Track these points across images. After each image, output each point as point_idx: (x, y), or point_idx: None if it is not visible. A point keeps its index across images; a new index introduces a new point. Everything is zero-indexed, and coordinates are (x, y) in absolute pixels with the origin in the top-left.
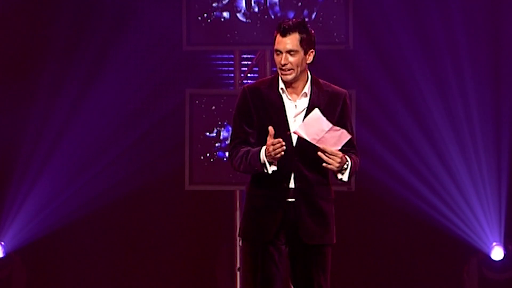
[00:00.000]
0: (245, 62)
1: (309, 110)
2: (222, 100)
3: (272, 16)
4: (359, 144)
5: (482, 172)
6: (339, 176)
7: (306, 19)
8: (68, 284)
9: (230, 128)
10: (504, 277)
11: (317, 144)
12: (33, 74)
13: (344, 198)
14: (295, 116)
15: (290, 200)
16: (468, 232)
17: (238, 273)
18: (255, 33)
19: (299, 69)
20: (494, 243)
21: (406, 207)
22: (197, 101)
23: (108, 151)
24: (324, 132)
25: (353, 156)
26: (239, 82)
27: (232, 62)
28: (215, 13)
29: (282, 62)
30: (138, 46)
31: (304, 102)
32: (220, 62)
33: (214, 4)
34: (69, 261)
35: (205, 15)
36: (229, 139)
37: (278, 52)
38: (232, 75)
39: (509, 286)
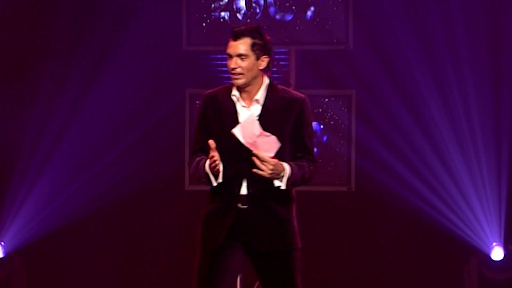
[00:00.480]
0: None
1: (261, 116)
2: None
3: (272, 16)
4: (359, 143)
5: (482, 172)
6: (276, 183)
7: (308, 19)
8: (68, 284)
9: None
10: (504, 277)
11: (250, 148)
12: (33, 74)
13: (344, 198)
14: None
15: (241, 207)
16: (468, 232)
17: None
18: None
19: (250, 74)
20: (494, 243)
21: (406, 207)
22: (197, 101)
23: (108, 151)
24: (256, 136)
25: (303, 164)
26: None
27: None
28: (215, 13)
29: (232, 66)
30: (138, 46)
31: (257, 108)
32: (220, 62)
33: (214, 5)
34: (69, 261)
35: (205, 15)
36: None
37: (229, 56)
38: None
39: (509, 286)
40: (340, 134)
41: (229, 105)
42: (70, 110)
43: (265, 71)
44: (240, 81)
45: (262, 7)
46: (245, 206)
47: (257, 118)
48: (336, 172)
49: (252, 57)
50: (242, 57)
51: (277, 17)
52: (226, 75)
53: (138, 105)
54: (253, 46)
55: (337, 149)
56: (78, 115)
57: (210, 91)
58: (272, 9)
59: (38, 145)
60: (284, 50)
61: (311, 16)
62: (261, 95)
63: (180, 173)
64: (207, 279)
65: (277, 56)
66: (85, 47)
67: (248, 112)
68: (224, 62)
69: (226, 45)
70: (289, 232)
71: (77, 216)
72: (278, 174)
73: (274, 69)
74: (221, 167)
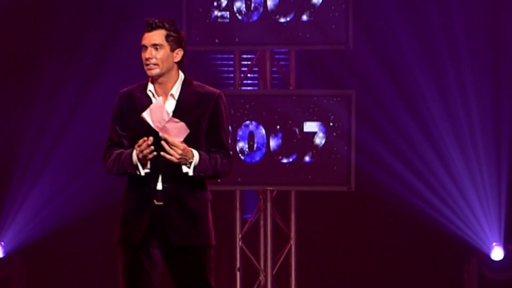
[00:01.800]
0: (245, 62)
1: (176, 111)
2: None
3: (272, 16)
4: (359, 144)
5: (482, 172)
6: (184, 169)
7: (308, 19)
8: (68, 284)
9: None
10: (504, 277)
11: (160, 132)
12: (33, 74)
13: (344, 198)
14: None
15: (157, 203)
16: (468, 232)
17: (238, 273)
18: (255, 33)
19: (164, 65)
20: (494, 243)
21: (405, 207)
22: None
23: None
24: (165, 122)
25: (215, 156)
26: (239, 82)
27: (232, 62)
28: (215, 13)
29: (147, 56)
30: (138, 46)
31: (172, 103)
32: (220, 62)
33: (214, 4)
34: (69, 261)
35: (205, 15)
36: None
37: (144, 48)
38: (232, 75)
39: (509, 286)
40: (340, 134)
41: (145, 100)
42: (70, 110)
43: (180, 66)
44: (155, 71)
45: (262, 7)
46: (160, 203)
47: (172, 113)
48: (336, 172)
49: (167, 48)
50: (157, 47)
51: (277, 17)
52: (226, 75)
53: None
54: (167, 37)
55: (337, 149)
56: (78, 115)
57: (125, 89)
58: (272, 9)
59: (38, 145)
60: (284, 50)
61: (311, 16)
62: (176, 89)
63: None
64: (132, 278)
65: (277, 56)
66: (85, 47)
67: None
68: (224, 62)
69: (225, 45)
70: (203, 229)
71: (77, 216)
72: (187, 160)
73: (274, 69)
74: (149, 158)
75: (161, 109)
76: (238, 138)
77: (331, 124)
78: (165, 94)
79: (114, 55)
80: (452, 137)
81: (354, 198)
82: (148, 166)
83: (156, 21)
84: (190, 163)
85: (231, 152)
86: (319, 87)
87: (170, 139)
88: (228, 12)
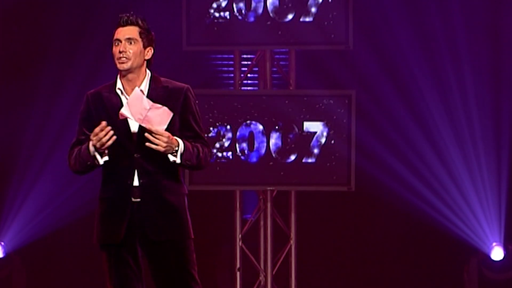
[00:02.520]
0: (245, 62)
1: None
2: (222, 101)
3: (272, 16)
4: (359, 143)
5: (482, 172)
6: (171, 158)
7: (308, 19)
8: (67, 284)
9: (230, 128)
10: (504, 277)
11: (142, 124)
12: (33, 74)
13: (344, 198)
14: None
15: (135, 200)
16: (468, 232)
17: (238, 273)
18: (254, 33)
19: (136, 60)
20: (494, 243)
21: (406, 207)
22: (196, 101)
23: None
24: (147, 111)
25: (197, 145)
26: (239, 82)
27: (232, 62)
28: (215, 13)
29: (120, 49)
30: None
31: None
32: (220, 62)
33: (214, 5)
34: (69, 261)
35: (205, 15)
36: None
37: (117, 42)
38: (232, 75)
39: (509, 286)
40: (340, 134)
41: (113, 99)
42: (70, 110)
43: (148, 64)
44: (126, 65)
45: (262, 7)
46: (138, 199)
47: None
48: (336, 172)
49: (140, 44)
50: (132, 41)
51: (277, 17)
52: (226, 75)
53: None
54: (141, 34)
55: (337, 149)
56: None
57: (92, 90)
58: (272, 9)
59: (39, 145)
60: (284, 50)
61: (311, 16)
62: (144, 85)
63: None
64: (120, 278)
65: (277, 56)
66: (85, 47)
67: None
68: (224, 62)
69: (225, 45)
70: (182, 222)
71: (77, 216)
72: (173, 149)
73: (274, 69)
74: (108, 144)
75: (140, 98)
76: (238, 138)
77: (331, 124)
78: None
79: None
80: (452, 137)
81: (354, 198)
82: (106, 152)
83: (131, 17)
84: (176, 151)
85: (207, 141)
86: (319, 87)
87: (153, 128)
88: (228, 12)
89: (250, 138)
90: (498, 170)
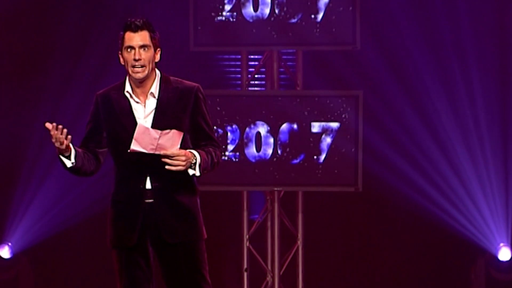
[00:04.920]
0: (252, 63)
1: (157, 109)
2: (229, 101)
3: (279, 17)
4: (366, 144)
5: (489, 172)
6: (191, 172)
7: (315, 19)
8: (75, 284)
9: (237, 129)
10: (511, 278)
11: (156, 152)
12: (39, 77)
13: (351, 199)
14: (145, 117)
15: (148, 201)
16: (475, 232)
17: (245, 274)
18: (262, 34)
19: (150, 66)
20: (501, 244)
21: (413, 208)
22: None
23: None
24: (157, 139)
25: (209, 149)
26: (246, 83)
27: (239, 63)
28: (222, 14)
29: (136, 57)
30: None
31: (152, 102)
32: (227, 63)
33: (221, 5)
34: (76, 262)
35: (212, 16)
36: None
37: (130, 49)
38: (239, 76)
39: None
40: (347, 135)
41: (122, 102)
42: (76, 111)
43: (156, 64)
44: (143, 74)
45: (269, 8)
46: (151, 200)
47: (154, 111)
48: (343, 172)
49: (152, 49)
50: (145, 48)
51: (284, 17)
52: (233, 76)
53: None
54: (151, 38)
55: (344, 150)
56: (85, 116)
57: (101, 90)
58: (279, 10)
59: (45, 146)
60: (291, 50)
61: (318, 17)
62: (155, 87)
63: None
64: (131, 280)
65: (284, 57)
66: (92, 48)
67: (142, 108)
68: (232, 63)
69: (233, 45)
70: (195, 223)
71: (84, 217)
72: (191, 163)
73: (281, 69)
74: (67, 142)
75: (146, 132)
76: (245, 139)
77: (338, 124)
78: (144, 93)
79: None
80: (459, 138)
81: (361, 199)
82: (73, 154)
83: (142, 22)
84: (194, 164)
85: (218, 142)
86: (326, 88)
87: (169, 152)
88: (235, 13)
89: (257, 139)
90: (505, 171)
